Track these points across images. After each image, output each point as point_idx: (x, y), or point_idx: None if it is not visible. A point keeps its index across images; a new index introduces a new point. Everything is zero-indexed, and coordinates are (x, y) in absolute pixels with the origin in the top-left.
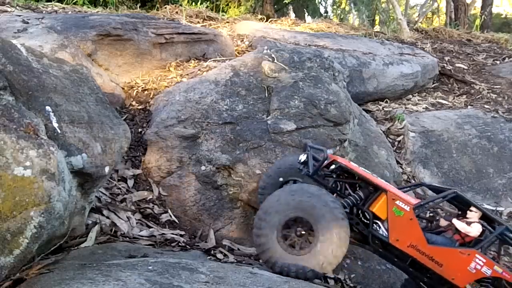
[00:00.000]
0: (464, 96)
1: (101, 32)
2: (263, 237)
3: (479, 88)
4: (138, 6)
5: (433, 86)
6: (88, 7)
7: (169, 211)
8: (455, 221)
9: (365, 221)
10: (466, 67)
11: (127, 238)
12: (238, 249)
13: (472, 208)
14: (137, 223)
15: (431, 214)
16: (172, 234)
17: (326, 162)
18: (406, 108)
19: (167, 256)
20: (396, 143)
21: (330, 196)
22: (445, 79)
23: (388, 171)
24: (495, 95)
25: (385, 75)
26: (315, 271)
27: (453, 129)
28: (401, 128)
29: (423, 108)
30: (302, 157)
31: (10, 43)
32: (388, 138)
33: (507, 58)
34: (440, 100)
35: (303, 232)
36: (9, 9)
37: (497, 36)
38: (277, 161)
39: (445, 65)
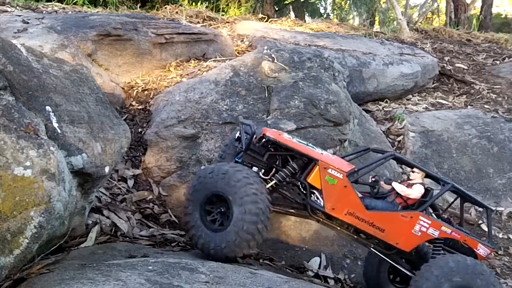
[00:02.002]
0: (464, 96)
1: (101, 32)
2: (189, 215)
3: (479, 88)
4: (138, 6)
5: (433, 86)
6: (88, 7)
7: (169, 211)
8: (394, 184)
9: (305, 192)
10: (466, 67)
11: (127, 238)
12: None
13: (414, 169)
14: (137, 223)
15: (373, 180)
16: (172, 234)
17: (255, 136)
18: (406, 108)
19: (167, 256)
20: (396, 143)
21: (245, 173)
22: (445, 79)
23: (388, 171)
24: (495, 95)
25: (385, 75)
26: (231, 248)
27: (453, 129)
28: (401, 128)
29: (423, 108)
30: (237, 134)
31: (10, 43)
32: (388, 138)
33: (507, 58)
34: (440, 100)
35: (223, 210)
36: (9, 9)
37: (497, 36)
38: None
39: (445, 65)
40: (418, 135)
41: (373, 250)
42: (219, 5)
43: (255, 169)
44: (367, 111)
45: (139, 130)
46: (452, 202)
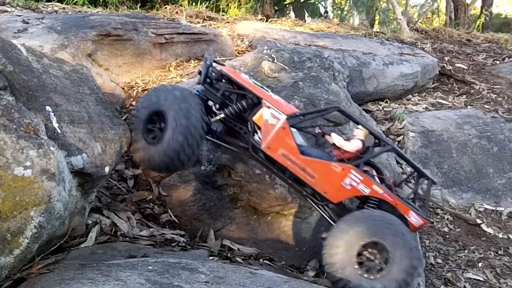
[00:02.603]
0: (464, 96)
1: (101, 32)
2: (134, 130)
3: (479, 88)
4: (138, 6)
5: (433, 86)
6: (88, 7)
7: (169, 211)
8: (333, 134)
9: (250, 130)
10: (466, 67)
11: (127, 238)
12: (238, 249)
13: (359, 126)
14: (137, 223)
15: (319, 131)
16: (172, 234)
17: (212, 70)
18: (406, 108)
19: (167, 256)
20: (396, 143)
21: (183, 91)
22: (445, 79)
23: (388, 171)
24: (495, 95)
25: (385, 75)
26: (163, 158)
27: (453, 129)
28: (401, 128)
29: (423, 108)
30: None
31: (10, 43)
32: (388, 138)
33: (507, 58)
34: (440, 100)
35: (162, 125)
36: (9, 9)
37: (497, 36)
38: None
39: (445, 65)
40: (418, 135)
41: (308, 199)
42: (219, 5)
43: (210, 103)
44: (367, 111)
45: None
46: (410, 175)
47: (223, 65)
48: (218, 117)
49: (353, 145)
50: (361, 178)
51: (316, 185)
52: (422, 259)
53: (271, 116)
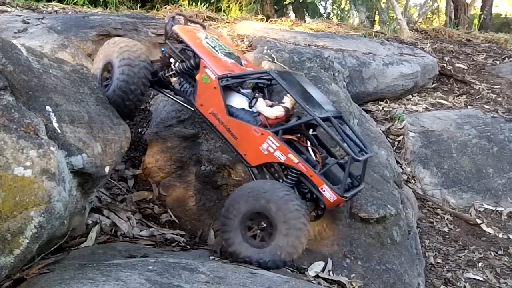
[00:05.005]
0: (464, 96)
1: (101, 32)
2: (95, 66)
3: (479, 88)
4: (138, 6)
5: (433, 86)
6: (88, 7)
7: (169, 211)
8: (259, 99)
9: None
10: (466, 67)
11: (127, 238)
12: None
13: (288, 95)
14: (137, 223)
15: (255, 95)
16: (172, 234)
17: (168, 27)
18: (406, 108)
19: (167, 256)
20: (396, 143)
21: (129, 42)
22: (445, 79)
23: (388, 171)
24: (495, 95)
25: (385, 75)
26: (117, 94)
27: (453, 129)
28: (401, 128)
29: (423, 108)
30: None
31: (10, 43)
32: (388, 138)
33: (507, 58)
34: (440, 100)
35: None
36: (9, 9)
37: (497, 36)
38: None
39: (445, 65)
40: (418, 135)
41: (241, 161)
42: (220, 6)
43: (172, 60)
44: (367, 111)
45: (139, 130)
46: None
47: (200, 24)
48: (170, 73)
49: (272, 111)
50: (278, 145)
51: (238, 146)
52: (422, 260)
53: (206, 76)
